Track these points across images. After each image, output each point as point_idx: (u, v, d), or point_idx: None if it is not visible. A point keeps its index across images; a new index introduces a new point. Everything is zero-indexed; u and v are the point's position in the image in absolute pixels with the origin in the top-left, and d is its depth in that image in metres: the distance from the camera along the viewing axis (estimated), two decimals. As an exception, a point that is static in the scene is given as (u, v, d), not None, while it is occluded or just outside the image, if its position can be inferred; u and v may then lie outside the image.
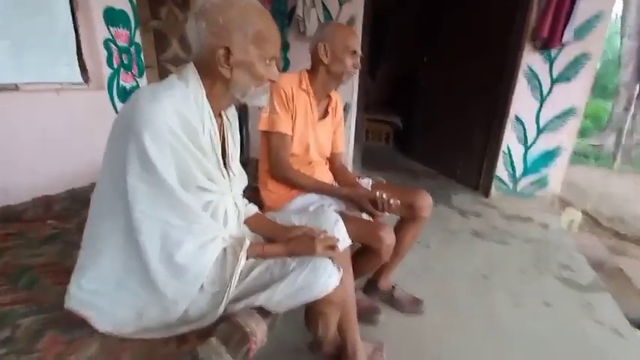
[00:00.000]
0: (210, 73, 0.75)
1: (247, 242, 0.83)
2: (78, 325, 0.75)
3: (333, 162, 1.44)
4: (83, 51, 1.93)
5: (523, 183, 2.76)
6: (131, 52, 2.15)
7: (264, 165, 1.28)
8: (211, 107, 0.77)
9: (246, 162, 1.92)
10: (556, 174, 2.66)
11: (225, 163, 0.86)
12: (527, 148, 2.66)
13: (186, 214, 0.71)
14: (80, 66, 1.93)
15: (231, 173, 0.88)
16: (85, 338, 0.74)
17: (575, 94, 2.44)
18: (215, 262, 0.76)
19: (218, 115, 0.84)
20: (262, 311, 0.77)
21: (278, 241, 0.91)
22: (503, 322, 1.45)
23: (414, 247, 1.47)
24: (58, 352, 0.69)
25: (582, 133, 7.87)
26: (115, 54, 2.03)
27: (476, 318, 1.46)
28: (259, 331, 0.72)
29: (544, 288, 1.70)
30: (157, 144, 0.65)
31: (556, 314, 1.52)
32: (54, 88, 1.79)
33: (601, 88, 9.86)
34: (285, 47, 3.03)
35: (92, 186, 1.44)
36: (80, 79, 1.93)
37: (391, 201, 1.10)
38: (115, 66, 2.04)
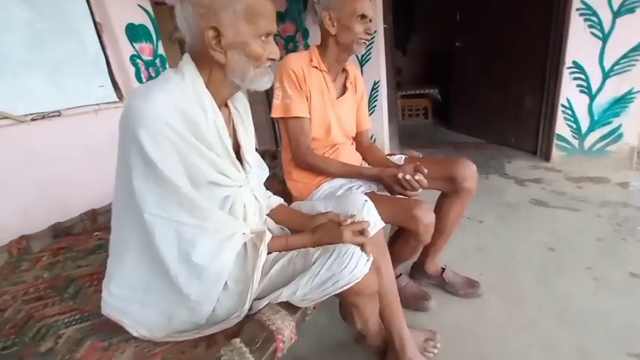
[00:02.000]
0: (206, 61, 0.69)
1: (268, 235, 0.77)
2: (116, 331, 0.77)
3: (360, 141, 1.33)
4: (113, 70, 2.03)
5: (591, 139, 2.38)
6: (157, 65, 2.22)
7: (287, 154, 1.22)
8: (214, 97, 0.71)
9: (275, 154, 1.90)
10: (631, 123, 2.25)
11: (238, 156, 0.81)
12: (592, 98, 2.28)
13: (195, 210, 0.68)
14: (113, 84, 2.04)
15: (246, 165, 0.82)
16: (122, 343, 0.75)
17: (642, 25, 2.02)
18: (236, 259, 0.72)
19: (224, 106, 0.79)
20: (289, 307, 0.71)
21: (304, 231, 0.84)
22: (579, 303, 1.23)
23: (464, 223, 1.32)
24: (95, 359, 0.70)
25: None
26: (142, 68, 2.11)
27: (546, 302, 1.26)
28: (286, 327, 0.66)
29: (630, 258, 1.43)
30: (153, 140, 0.62)
31: (649, 287, 1.27)
32: (92, 109, 1.91)
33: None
34: (305, 34, 2.94)
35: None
36: (115, 97, 2.04)
37: (417, 177, 0.97)
38: (144, 79, 2.12)
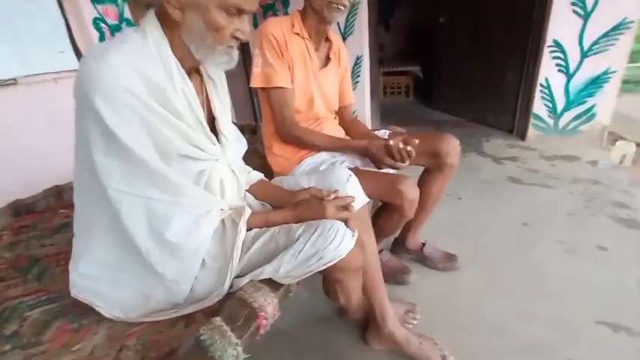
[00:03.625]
0: (170, 19, 0.61)
1: (248, 211, 0.74)
2: (87, 312, 0.72)
3: (343, 116, 1.29)
4: (74, 35, 1.85)
5: (565, 118, 2.44)
6: (123, 29, 2.04)
7: (268, 127, 1.16)
8: (180, 63, 0.64)
9: (255, 129, 1.83)
10: (605, 103, 2.32)
11: (213, 128, 0.75)
12: (569, 77, 2.32)
13: (168, 185, 0.63)
14: (74, 50, 1.86)
15: (222, 137, 0.76)
16: (93, 325, 0.71)
17: (626, 2, 2.04)
18: (214, 235, 0.69)
19: (195, 72, 0.72)
20: (272, 283, 0.69)
21: (285, 207, 0.81)
22: (551, 274, 1.29)
23: (443, 201, 1.33)
24: (64, 343, 0.66)
25: (633, 57, 6.95)
26: (107, 33, 1.94)
27: (519, 272, 1.32)
28: (269, 305, 0.64)
29: (598, 231, 1.51)
30: (112, 108, 0.55)
31: (615, 259, 1.34)
32: (52, 77, 1.75)
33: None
34: (285, 2, 2.79)
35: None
36: (76, 65, 1.87)
37: (408, 148, 0.95)
38: (109, 46, 1.95)
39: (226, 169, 0.78)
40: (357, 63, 2.76)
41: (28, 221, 1.13)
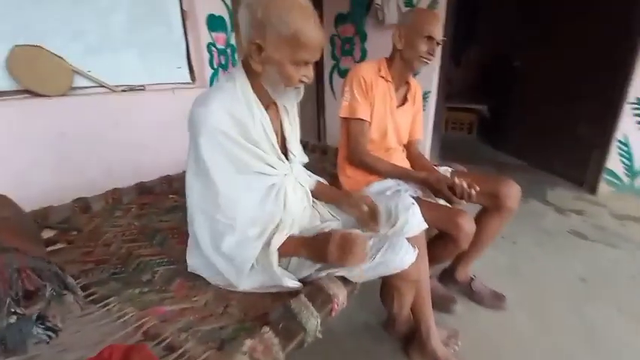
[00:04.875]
0: (252, 69, 0.78)
1: (277, 240, 0.83)
2: (198, 277, 0.94)
3: (410, 149, 1.44)
4: (191, 55, 2.27)
5: (644, 179, 2.31)
6: (227, 53, 2.43)
7: (343, 152, 1.35)
8: (259, 99, 0.81)
9: (325, 150, 2.05)
10: (692, 168, 2.17)
11: (284, 147, 0.93)
12: (651, 137, 2.22)
13: (229, 210, 0.79)
14: (189, 68, 2.28)
15: (290, 155, 0.94)
16: (204, 286, 0.92)
17: None
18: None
19: (272, 104, 0.88)
20: (343, 279, 0.85)
21: (340, 203, 1.03)
22: (603, 335, 1.27)
23: (498, 243, 1.38)
24: (185, 294, 0.89)
25: None
26: (215, 55, 2.33)
27: (569, 325, 1.31)
28: (341, 294, 0.80)
29: (664, 300, 1.44)
30: (208, 145, 0.75)
31: (678, 331, 1.28)
32: (171, 87, 2.15)
33: None
34: (363, 37, 3.05)
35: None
36: (189, 79, 2.28)
37: (472, 192, 1.06)
38: (215, 66, 2.34)
39: (293, 182, 0.95)
40: (425, 98, 2.89)
41: (147, 200, 1.44)
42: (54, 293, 0.67)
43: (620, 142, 2.32)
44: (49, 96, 1.62)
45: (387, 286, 1.03)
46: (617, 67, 2.28)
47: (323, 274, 0.86)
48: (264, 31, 0.71)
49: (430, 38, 1.16)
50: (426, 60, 1.19)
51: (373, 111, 1.26)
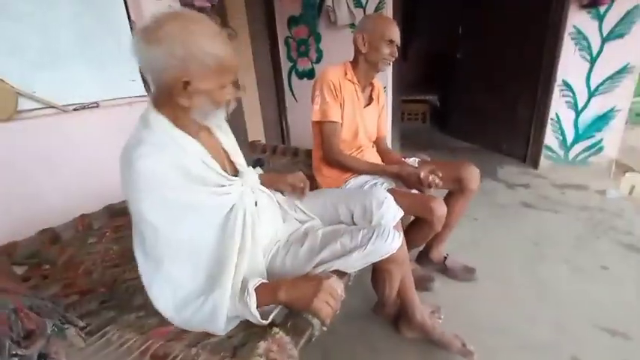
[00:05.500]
0: (169, 103, 0.72)
1: (253, 297, 0.75)
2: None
3: (378, 145, 1.54)
4: (144, 66, 2.18)
5: (575, 150, 2.65)
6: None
7: (318, 153, 1.41)
8: (186, 131, 0.75)
9: (296, 152, 2.09)
10: (612, 138, 2.52)
11: (231, 163, 0.90)
12: (578, 114, 2.55)
13: (182, 269, 0.75)
14: (143, 80, 2.18)
15: (237, 166, 0.91)
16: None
17: (629, 50, 2.28)
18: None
19: (203, 129, 0.82)
20: (338, 272, 0.91)
21: (277, 182, 1.09)
22: (558, 289, 1.47)
23: (461, 221, 1.53)
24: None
25: (644, 90, 7.12)
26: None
27: (529, 285, 1.50)
28: (339, 287, 0.86)
29: (602, 253, 1.69)
30: (142, 199, 0.68)
31: (615, 277, 1.52)
32: (126, 102, 2.06)
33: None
34: (317, 38, 3.11)
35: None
36: (144, 91, 2.19)
37: (437, 180, 1.18)
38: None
39: (250, 196, 0.88)
40: (381, 93, 3.04)
41: (121, 222, 1.39)
42: (55, 329, 0.65)
43: (552, 119, 2.63)
44: (-9, 123, 1.49)
45: (378, 272, 1.12)
46: (544, 54, 2.57)
47: (320, 269, 0.91)
48: (187, 66, 0.67)
49: (391, 41, 1.27)
50: (389, 61, 1.30)
51: (343, 112, 1.33)
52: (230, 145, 0.91)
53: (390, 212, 1.04)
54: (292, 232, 1.04)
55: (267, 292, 0.77)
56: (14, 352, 0.60)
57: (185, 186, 0.72)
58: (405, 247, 1.03)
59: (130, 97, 2.09)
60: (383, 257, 0.91)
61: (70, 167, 1.75)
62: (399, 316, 1.25)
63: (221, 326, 0.74)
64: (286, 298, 0.76)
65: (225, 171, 0.84)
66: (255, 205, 0.90)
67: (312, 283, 0.78)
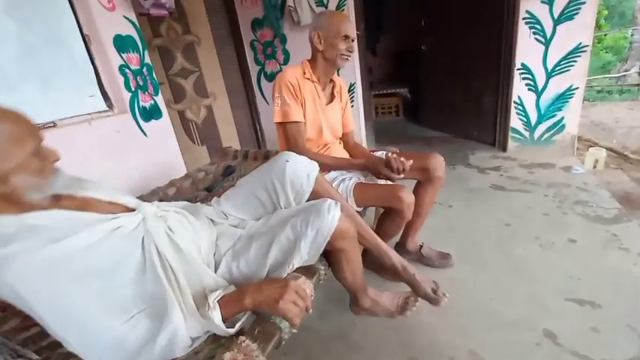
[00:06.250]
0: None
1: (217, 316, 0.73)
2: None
3: (346, 141, 1.54)
4: (103, 80, 2.10)
5: (539, 130, 2.74)
6: (144, 73, 2.31)
7: (284, 154, 1.40)
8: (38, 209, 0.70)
9: (267, 155, 2.07)
10: (572, 115, 2.62)
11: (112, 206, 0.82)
12: (538, 95, 2.64)
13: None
14: (103, 94, 2.11)
15: (128, 205, 0.84)
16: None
17: (580, 30, 2.38)
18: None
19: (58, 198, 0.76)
20: (306, 272, 0.90)
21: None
22: (530, 265, 1.51)
23: (436, 208, 1.55)
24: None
25: (604, 67, 7.50)
26: (131, 77, 2.20)
27: (504, 265, 1.54)
28: (307, 287, 0.85)
29: (569, 227, 1.75)
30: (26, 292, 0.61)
31: (582, 249, 1.58)
32: (85, 119, 1.98)
33: (619, 17, 9.26)
34: (283, 39, 3.10)
35: (140, 198, 1.62)
36: (105, 107, 2.12)
37: (402, 159, 1.19)
38: (133, 88, 2.20)
39: (153, 219, 0.83)
40: (351, 89, 3.05)
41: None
42: None
43: (515, 103, 2.71)
44: None
45: (334, 256, 1.01)
46: (502, 40, 2.66)
47: (284, 273, 0.89)
48: None
49: (346, 37, 1.28)
50: (346, 56, 1.30)
51: (305, 111, 1.32)
52: (103, 195, 0.83)
53: (299, 169, 0.99)
54: (236, 240, 0.97)
55: (232, 301, 0.76)
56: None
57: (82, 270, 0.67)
58: (349, 219, 0.97)
59: (90, 114, 2.01)
60: (330, 234, 0.86)
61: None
62: (376, 311, 1.24)
63: (181, 352, 0.72)
64: (252, 303, 0.75)
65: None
66: (169, 229, 0.85)
67: (278, 285, 0.76)
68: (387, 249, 1.16)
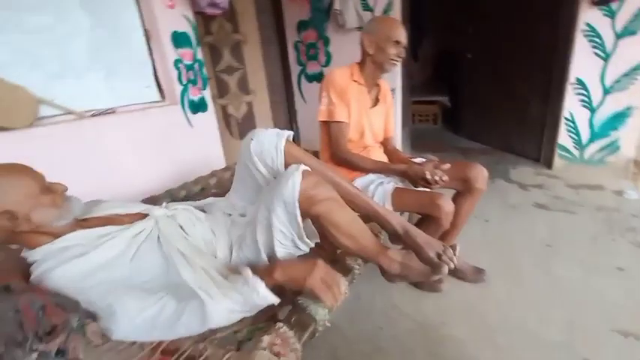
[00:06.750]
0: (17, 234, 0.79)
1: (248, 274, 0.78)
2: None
3: (385, 145, 1.55)
4: (158, 73, 2.25)
5: (591, 150, 2.58)
6: (195, 68, 2.44)
7: (326, 152, 1.43)
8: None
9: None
10: (628, 136, 2.44)
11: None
12: (592, 112, 2.48)
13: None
14: (157, 86, 2.26)
15: (142, 212, 0.96)
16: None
17: (644, 47, 2.22)
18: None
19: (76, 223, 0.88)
20: (342, 269, 0.92)
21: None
22: (570, 290, 1.44)
23: (472, 222, 1.51)
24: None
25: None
26: (184, 72, 2.33)
27: (541, 286, 1.47)
28: (342, 284, 0.87)
29: (617, 254, 1.64)
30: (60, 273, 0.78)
31: (630, 278, 1.47)
32: (141, 107, 2.13)
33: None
34: (326, 41, 3.15)
35: (183, 185, 1.71)
36: (159, 97, 2.27)
37: (444, 178, 1.18)
38: (184, 82, 2.34)
39: (164, 219, 0.92)
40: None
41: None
42: (78, 323, 0.69)
43: (566, 119, 2.57)
44: (14, 128, 1.56)
45: (319, 226, 0.92)
46: (557, 51, 2.53)
47: (279, 249, 0.89)
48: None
49: (397, 42, 1.29)
50: (395, 61, 1.31)
51: (350, 113, 1.35)
52: (120, 209, 0.95)
53: (265, 143, 0.94)
54: (243, 228, 0.99)
55: (265, 274, 0.79)
56: (35, 348, 0.64)
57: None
58: (318, 180, 0.88)
59: (144, 104, 2.17)
60: (296, 202, 0.81)
61: (88, 170, 1.83)
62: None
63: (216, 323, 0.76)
64: (282, 278, 0.79)
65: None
66: (180, 226, 0.93)
67: (307, 263, 0.81)
68: (384, 212, 1.02)
